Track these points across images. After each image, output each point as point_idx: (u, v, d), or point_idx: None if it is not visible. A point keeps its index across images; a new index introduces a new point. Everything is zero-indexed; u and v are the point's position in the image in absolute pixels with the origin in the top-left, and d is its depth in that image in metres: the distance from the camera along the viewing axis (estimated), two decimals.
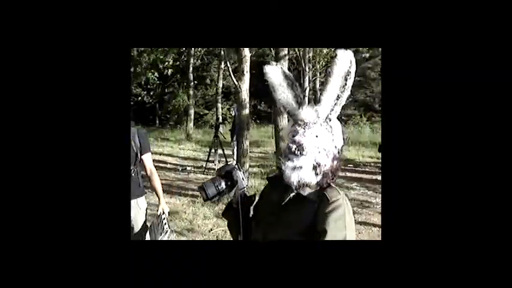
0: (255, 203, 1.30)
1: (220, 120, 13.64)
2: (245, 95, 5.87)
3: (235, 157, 6.95)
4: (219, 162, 7.46)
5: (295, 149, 1.10)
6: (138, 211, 2.53)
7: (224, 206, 1.32)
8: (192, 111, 14.25)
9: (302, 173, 1.10)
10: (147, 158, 2.59)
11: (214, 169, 7.15)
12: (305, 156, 1.10)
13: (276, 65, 1.19)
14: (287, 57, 7.32)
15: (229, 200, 1.28)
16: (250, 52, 5.77)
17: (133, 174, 2.46)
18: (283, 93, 1.17)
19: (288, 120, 1.23)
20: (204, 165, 7.51)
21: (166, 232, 2.21)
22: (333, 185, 1.16)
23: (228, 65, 6.23)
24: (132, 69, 15.03)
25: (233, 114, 8.09)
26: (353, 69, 1.11)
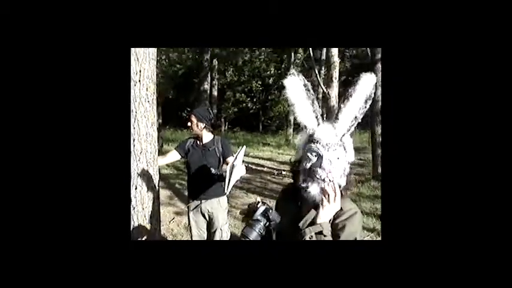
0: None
1: None
2: (334, 101, 5.81)
3: None
4: None
5: (326, 177, 1.11)
6: (219, 209, 2.77)
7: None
8: (291, 118, 14.41)
9: None
10: (231, 160, 2.79)
11: None
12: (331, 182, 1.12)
13: (298, 75, 1.15)
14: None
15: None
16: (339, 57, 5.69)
17: (215, 177, 2.70)
18: (303, 108, 1.15)
19: (301, 130, 1.21)
20: None
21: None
22: (346, 197, 1.18)
23: (316, 71, 6.22)
24: (236, 79, 15.89)
25: None
26: (373, 93, 1.13)
